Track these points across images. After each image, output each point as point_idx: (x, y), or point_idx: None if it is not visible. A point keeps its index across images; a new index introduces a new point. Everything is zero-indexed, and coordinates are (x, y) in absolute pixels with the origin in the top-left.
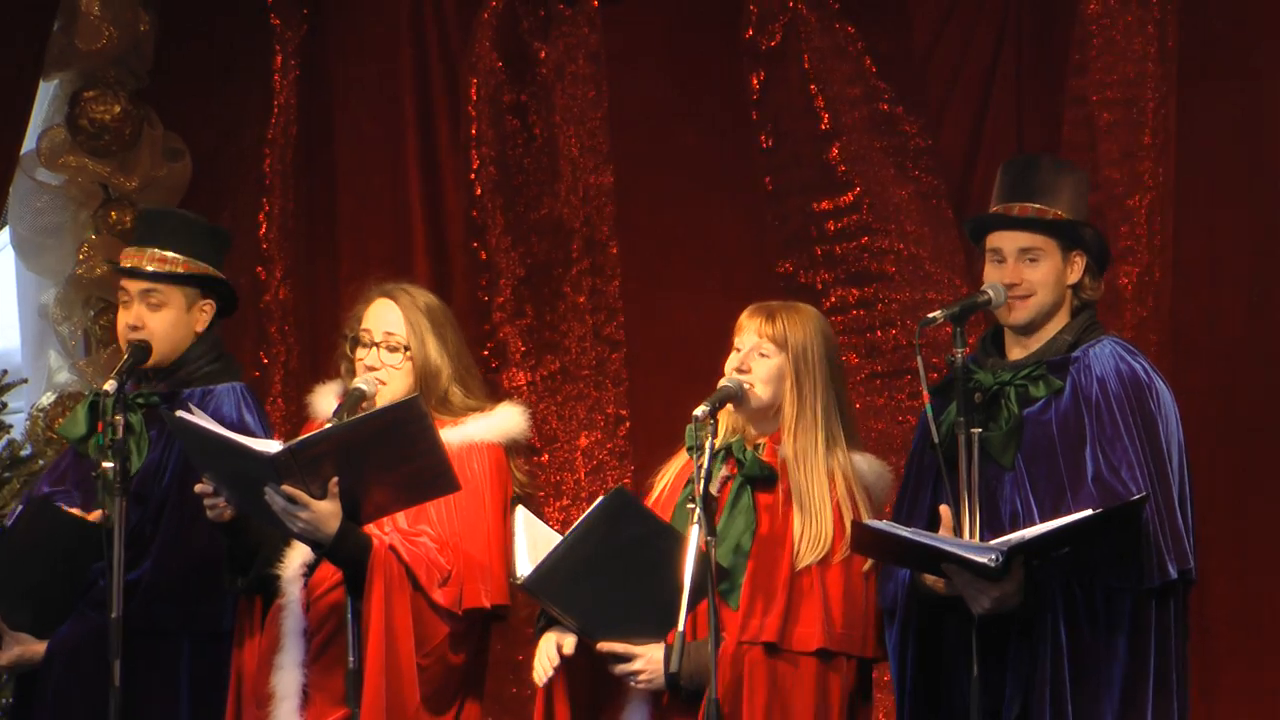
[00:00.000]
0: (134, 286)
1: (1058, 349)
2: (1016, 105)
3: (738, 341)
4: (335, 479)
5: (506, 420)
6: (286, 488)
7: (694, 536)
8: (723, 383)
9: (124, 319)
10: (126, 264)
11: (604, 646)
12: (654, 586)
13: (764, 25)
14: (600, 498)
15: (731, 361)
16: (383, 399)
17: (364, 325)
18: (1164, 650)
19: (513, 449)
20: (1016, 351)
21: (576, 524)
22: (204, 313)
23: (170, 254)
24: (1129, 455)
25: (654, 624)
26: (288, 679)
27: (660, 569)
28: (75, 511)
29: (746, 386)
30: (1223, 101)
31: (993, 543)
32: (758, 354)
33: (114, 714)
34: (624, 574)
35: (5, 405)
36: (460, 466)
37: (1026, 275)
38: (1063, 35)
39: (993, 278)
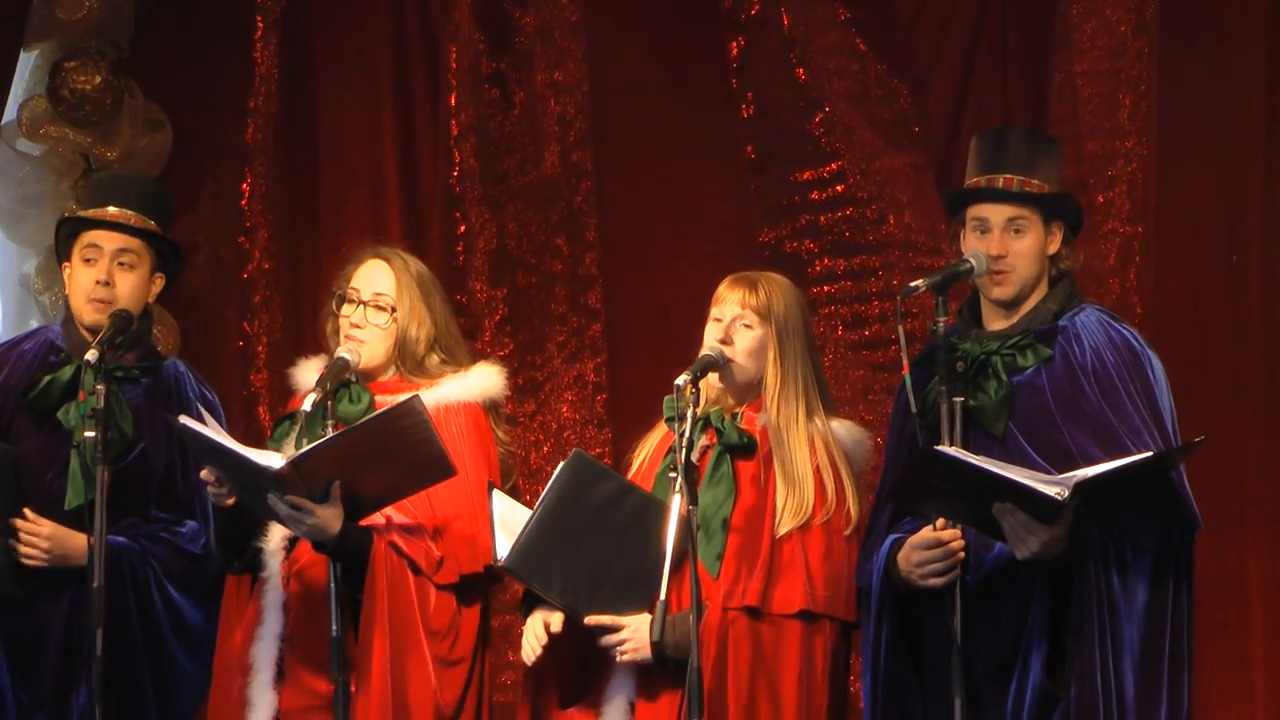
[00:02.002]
0: (108, 244)
1: (1042, 318)
2: (1001, 75)
3: (717, 312)
4: (338, 482)
5: (484, 380)
6: (291, 498)
7: (675, 505)
8: (703, 352)
9: (91, 275)
10: (104, 218)
11: (591, 620)
12: (634, 555)
13: None
14: (561, 464)
15: (712, 332)
16: (366, 358)
17: (353, 284)
18: (1177, 612)
19: (491, 408)
20: (997, 322)
21: (543, 496)
22: (156, 285)
23: (143, 216)
24: (1134, 421)
25: (638, 595)
26: (265, 651)
27: (636, 534)
28: None
29: (729, 357)
30: (1202, 73)
31: (1056, 478)
32: (740, 325)
33: (96, 682)
34: (600, 541)
35: None
36: (437, 431)
37: (1012, 246)
38: (1047, 5)
39: (977, 248)
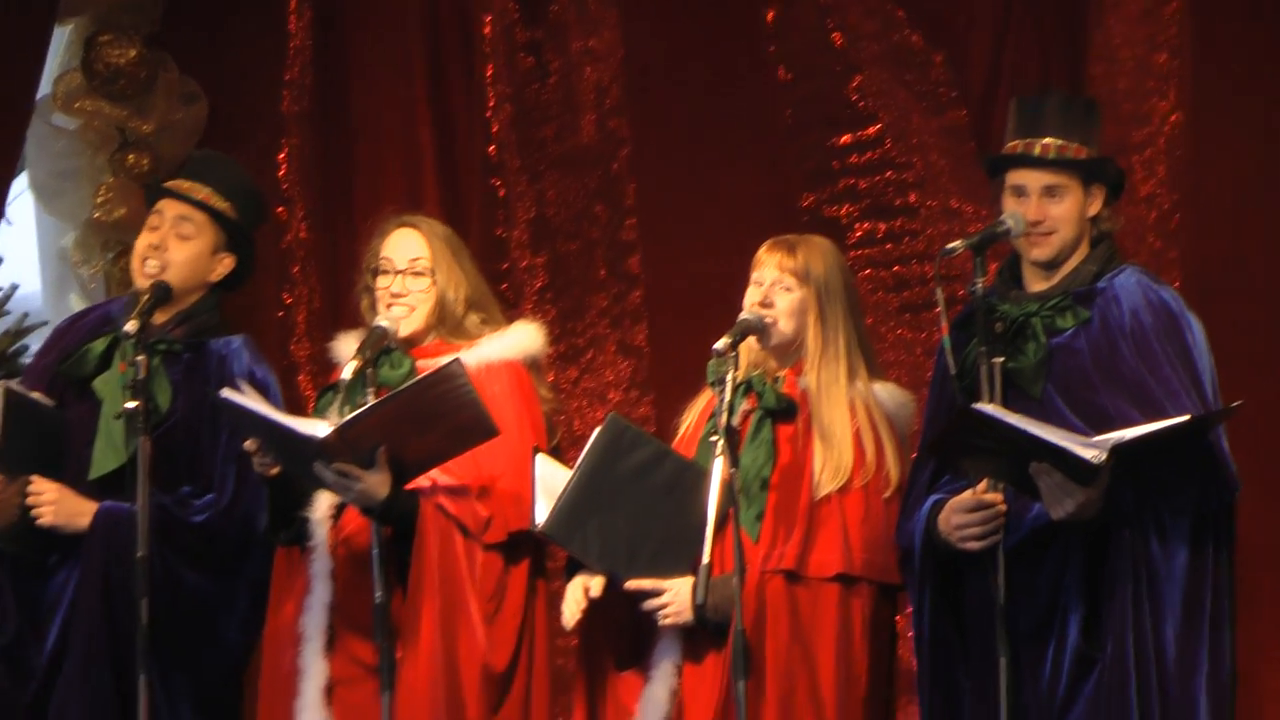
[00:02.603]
0: (170, 211)
1: (1082, 280)
2: (1037, 37)
3: (756, 276)
4: (383, 448)
5: (523, 337)
6: (338, 465)
7: (717, 469)
8: (743, 315)
9: (147, 239)
10: (172, 188)
11: (632, 584)
12: (672, 519)
13: None
14: (597, 430)
15: (752, 296)
16: (409, 325)
17: (384, 254)
18: (1218, 574)
19: (533, 365)
20: (1037, 283)
21: (580, 461)
22: (222, 265)
23: (216, 194)
24: (1171, 383)
25: (678, 558)
26: (314, 620)
27: (674, 498)
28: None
29: (769, 321)
30: (1238, 31)
31: (1094, 439)
32: (780, 288)
33: (141, 651)
34: (638, 505)
35: (27, 348)
36: (480, 390)
37: (1050, 212)
38: None
39: (1013, 210)
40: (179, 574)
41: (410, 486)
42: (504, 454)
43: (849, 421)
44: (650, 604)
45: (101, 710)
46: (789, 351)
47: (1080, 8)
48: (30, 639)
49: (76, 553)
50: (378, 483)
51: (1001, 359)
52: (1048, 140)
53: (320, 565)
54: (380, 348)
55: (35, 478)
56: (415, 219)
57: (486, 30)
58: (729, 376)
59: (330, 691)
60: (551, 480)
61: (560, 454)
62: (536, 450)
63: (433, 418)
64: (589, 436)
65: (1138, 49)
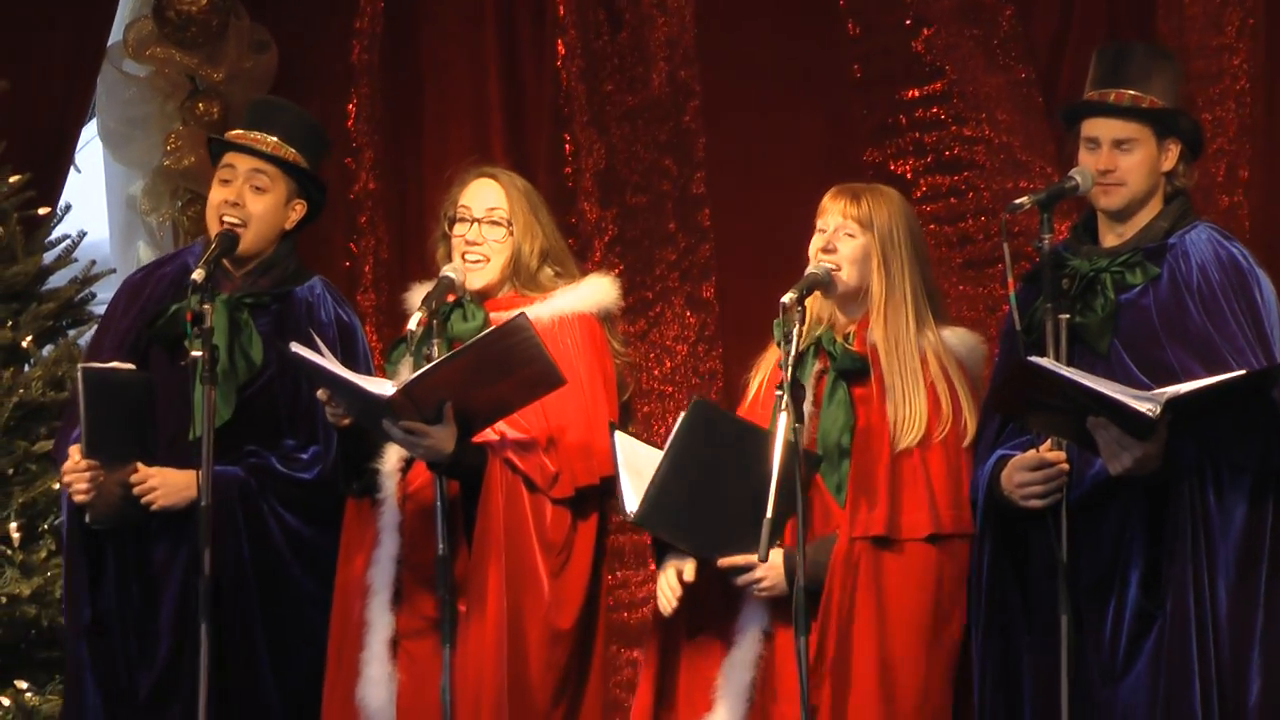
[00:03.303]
0: (242, 165)
1: (1154, 235)
2: None
3: (821, 224)
4: (449, 403)
5: (596, 290)
6: (405, 423)
7: (781, 423)
8: (810, 269)
9: (222, 195)
10: (240, 141)
11: (725, 562)
12: (756, 493)
13: None
14: (681, 414)
15: (816, 243)
16: (484, 276)
17: (462, 203)
18: (1277, 532)
19: (606, 319)
20: (1111, 239)
21: (667, 447)
22: (295, 212)
23: (283, 143)
24: (1237, 340)
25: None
26: (381, 573)
27: (760, 473)
28: (113, 365)
29: (833, 269)
30: None
31: (1150, 393)
32: (843, 234)
33: (203, 602)
34: (726, 486)
35: (94, 295)
36: (552, 343)
37: (1120, 163)
38: None
39: (1087, 164)
40: (295, 529)
41: (478, 440)
42: (573, 406)
43: (921, 373)
44: (744, 579)
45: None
46: (855, 301)
47: None
48: (134, 609)
49: (178, 520)
50: (444, 438)
51: (1067, 315)
52: (1122, 91)
53: (389, 518)
54: (445, 299)
55: (137, 466)
56: (495, 170)
57: None
58: (795, 331)
59: (396, 645)
60: (635, 460)
61: (631, 410)
62: (614, 427)
63: (499, 372)
64: (657, 390)
65: (1208, 4)
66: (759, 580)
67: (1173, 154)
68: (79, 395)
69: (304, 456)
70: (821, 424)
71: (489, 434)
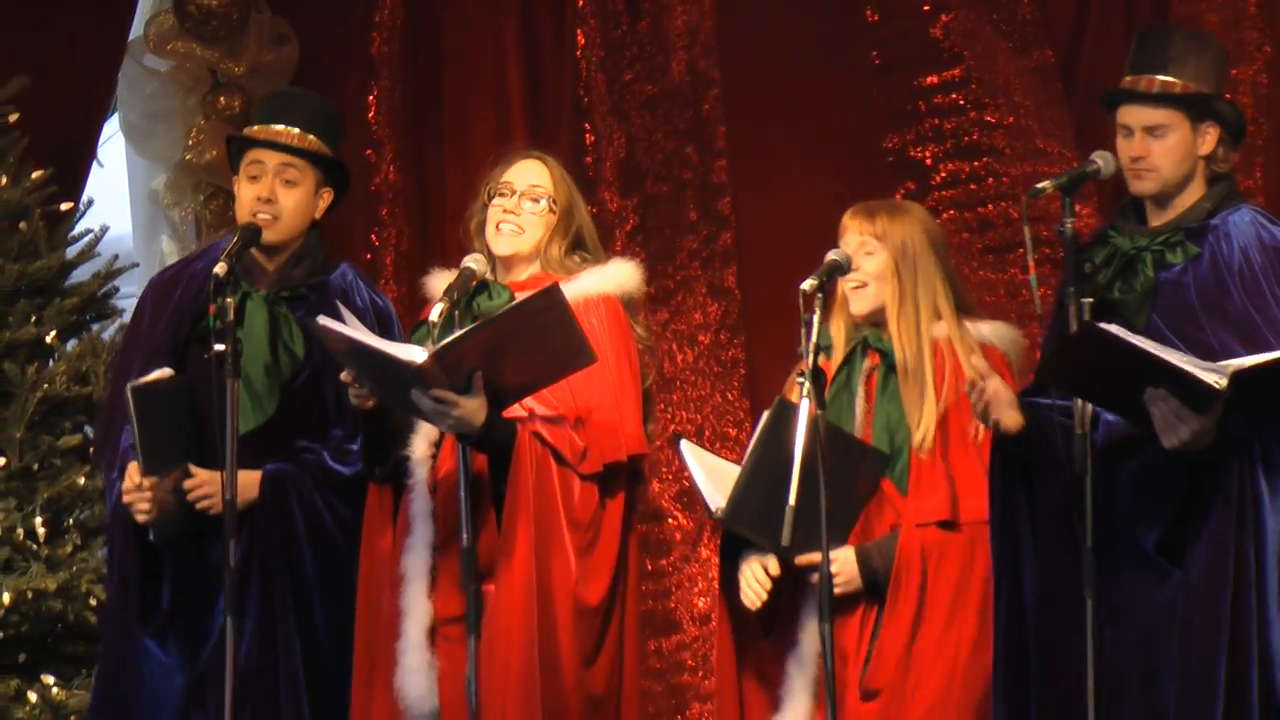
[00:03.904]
0: (271, 160)
1: (1196, 216)
2: None
3: (842, 244)
4: (479, 373)
5: (620, 273)
6: (435, 392)
7: (803, 410)
8: (830, 255)
9: (253, 191)
10: (265, 136)
11: (802, 560)
12: (833, 493)
13: None
14: (764, 413)
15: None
16: (515, 244)
17: (505, 179)
18: None
19: (629, 304)
20: (1155, 219)
21: (751, 445)
22: (323, 200)
23: (306, 134)
24: (1279, 322)
25: (840, 529)
26: (416, 561)
27: (834, 469)
28: (155, 376)
29: (856, 285)
30: None
31: (1214, 365)
32: (864, 252)
33: (228, 594)
34: (804, 485)
35: (118, 290)
36: (579, 322)
37: (1153, 149)
38: None
39: (1122, 150)
40: (349, 521)
41: (506, 415)
42: (599, 386)
43: (929, 364)
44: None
45: (289, 669)
46: (884, 314)
47: None
48: (193, 614)
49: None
50: (475, 408)
51: (1091, 299)
52: (1154, 77)
53: (420, 505)
54: (468, 289)
55: (192, 469)
56: (542, 154)
57: None
58: (814, 316)
59: (433, 632)
60: (707, 464)
61: (652, 396)
62: (678, 437)
63: (531, 342)
64: (679, 378)
65: None
66: (833, 575)
67: (1210, 138)
68: (130, 415)
69: (353, 448)
70: (876, 418)
71: (517, 409)
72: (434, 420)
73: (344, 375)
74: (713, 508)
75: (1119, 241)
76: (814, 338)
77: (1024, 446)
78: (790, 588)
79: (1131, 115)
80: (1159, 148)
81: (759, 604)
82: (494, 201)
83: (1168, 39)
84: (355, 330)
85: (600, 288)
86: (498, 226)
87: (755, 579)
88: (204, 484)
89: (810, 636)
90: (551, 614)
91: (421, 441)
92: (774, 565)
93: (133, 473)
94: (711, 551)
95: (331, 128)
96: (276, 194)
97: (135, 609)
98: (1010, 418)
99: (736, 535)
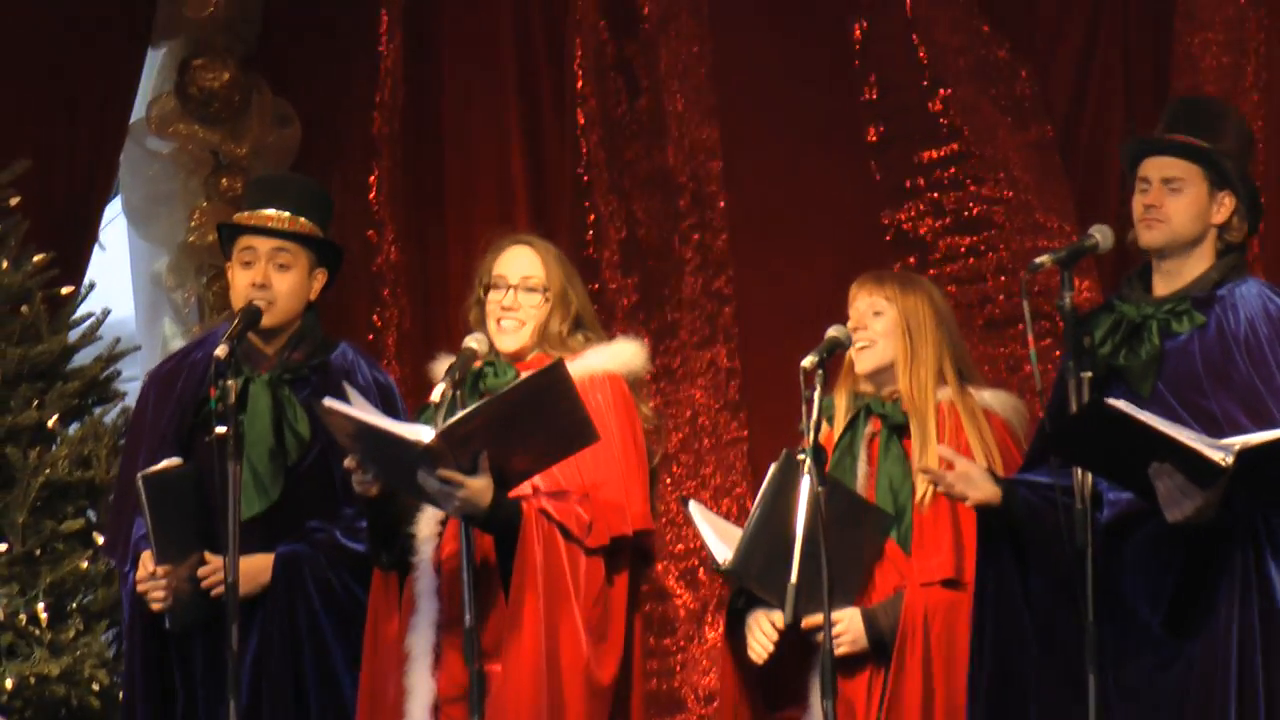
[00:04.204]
0: (263, 246)
1: (1203, 286)
2: (1123, 49)
3: (851, 311)
4: (485, 453)
5: (625, 352)
6: (442, 472)
7: (805, 486)
8: (830, 331)
9: (247, 278)
10: (255, 222)
11: (808, 623)
12: (838, 553)
13: None
14: (771, 466)
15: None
16: (517, 339)
17: (498, 271)
18: None
19: (634, 383)
20: (1161, 287)
21: (758, 500)
22: (318, 281)
23: (296, 216)
24: None
25: (846, 590)
26: (421, 639)
27: (840, 530)
28: (164, 465)
29: (863, 345)
30: None
31: (1220, 442)
32: (872, 313)
33: (231, 676)
34: (811, 542)
35: (120, 373)
36: (584, 399)
37: (1167, 202)
38: None
39: (1136, 204)
40: (362, 599)
41: (512, 495)
42: (605, 462)
43: (933, 422)
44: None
45: None
46: (889, 375)
47: (1165, 19)
48: (210, 702)
49: (248, 606)
50: (481, 488)
51: (1090, 374)
52: (1176, 135)
53: (425, 583)
54: (469, 369)
55: (206, 556)
56: (530, 238)
57: (577, 50)
58: (816, 394)
59: (438, 710)
60: (714, 522)
61: (657, 475)
62: (686, 500)
63: (536, 419)
64: (681, 457)
65: (1224, 58)
66: (838, 636)
67: (1226, 208)
68: (143, 504)
69: (365, 525)
70: (879, 480)
71: (523, 488)
72: (440, 502)
73: (347, 462)
74: (720, 560)
75: (1125, 309)
76: (815, 415)
77: (1006, 518)
78: (798, 651)
79: (1151, 167)
80: (1173, 201)
81: (765, 657)
82: (490, 295)
83: (1198, 105)
84: (361, 411)
85: (606, 366)
86: (499, 323)
87: (762, 632)
88: (218, 570)
89: (818, 699)
90: (561, 693)
91: (428, 520)
92: (780, 619)
93: (146, 562)
94: (716, 632)
95: (321, 208)
96: (271, 279)
97: (153, 698)
98: (983, 492)
99: (742, 594)
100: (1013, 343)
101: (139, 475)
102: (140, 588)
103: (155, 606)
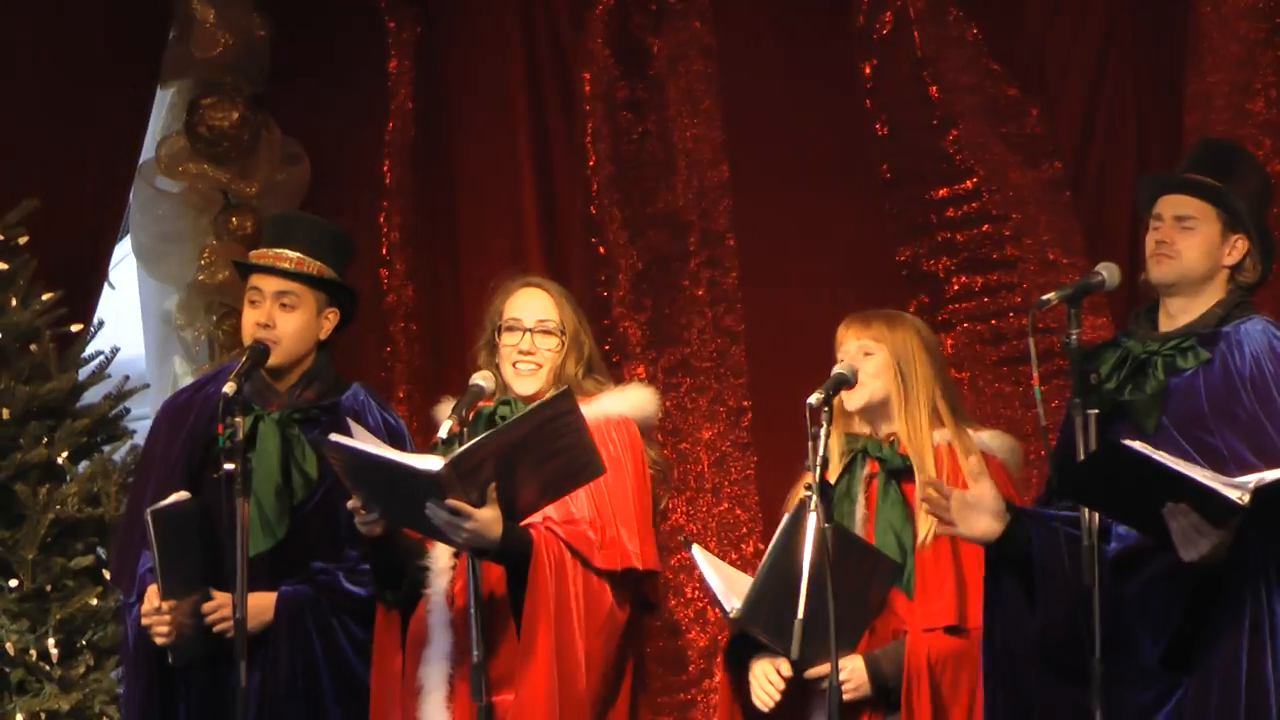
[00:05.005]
0: (268, 286)
1: (1208, 323)
2: (1133, 88)
3: (840, 355)
4: (494, 484)
5: (639, 397)
6: (451, 502)
7: (811, 524)
8: (836, 369)
9: (253, 317)
10: (263, 261)
11: (812, 674)
12: (843, 597)
13: (875, 13)
14: (786, 516)
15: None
16: (534, 383)
17: (511, 315)
18: None
19: (645, 429)
20: (1167, 324)
21: (770, 547)
22: (328, 321)
23: (306, 257)
24: None
25: (850, 635)
26: (435, 672)
27: (846, 572)
28: (173, 500)
29: (859, 380)
30: None
31: (1235, 480)
32: (862, 354)
33: (240, 712)
34: (817, 582)
35: (129, 411)
36: (599, 442)
37: (1178, 239)
38: (1177, 16)
39: (1148, 241)
40: (363, 641)
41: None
42: (617, 497)
43: (932, 463)
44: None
45: None
46: (883, 413)
47: (1176, 57)
48: None
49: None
50: (490, 520)
51: (1096, 411)
52: (1193, 174)
53: (439, 616)
54: (477, 407)
55: (211, 594)
56: (541, 280)
57: (586, 88)
58: (822, 431)
59: None
60: (720, 569)
61: (663, 517)
62: (689, 542)
63: (544, 450)
64: (688, 492)
65: (1234, 97)
66: (842, 683)
67: (1238, 250)
68: (151, 538)
69: (368, 568)
70: (878, 525)
71: (533, 519)
72: (448, 534)
73: (351, 503)
74: (728, 609)
75: (1131, 345)
76: (821, 451)
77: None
78: (800, 696)
79: (1166, 205)
80: (1184, 238)
81: (771, 705)
82: (504, 338)
83: (1218, 147)
84: (368, 443)
85: (619, 409)
86: (515, 366)
87: (768, 679)
88: (222, 607)
89: None
90: None
91: (442, 552)
92: (785, 666)
93: (152, 596)
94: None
95: (337, 249)
96: (275, 319)
97: None
98: (978, 529)
99: (743, 639)
100: (1026, 380)
101: (148, 511)
102: (144, 621)
103: (159, 640)
